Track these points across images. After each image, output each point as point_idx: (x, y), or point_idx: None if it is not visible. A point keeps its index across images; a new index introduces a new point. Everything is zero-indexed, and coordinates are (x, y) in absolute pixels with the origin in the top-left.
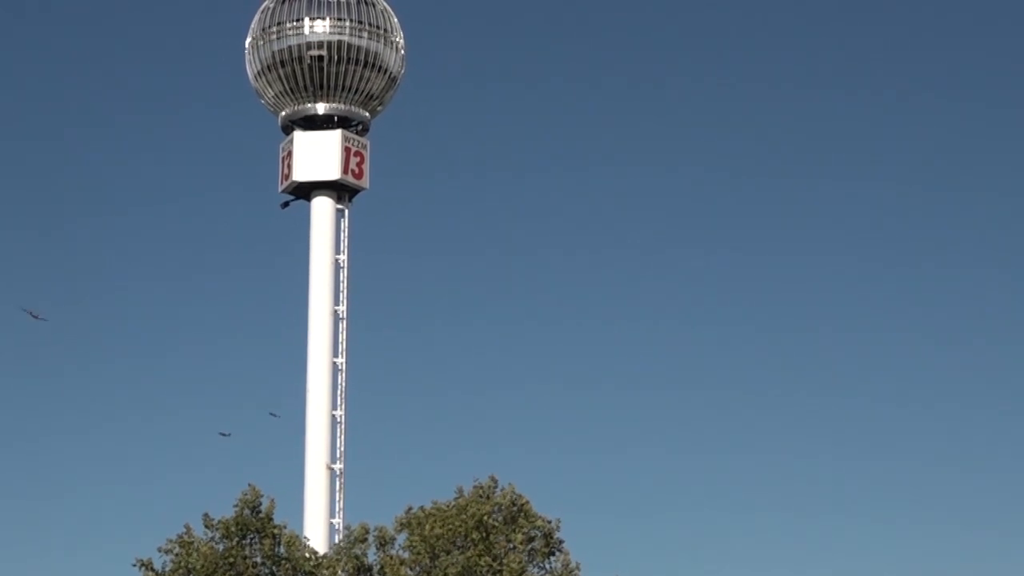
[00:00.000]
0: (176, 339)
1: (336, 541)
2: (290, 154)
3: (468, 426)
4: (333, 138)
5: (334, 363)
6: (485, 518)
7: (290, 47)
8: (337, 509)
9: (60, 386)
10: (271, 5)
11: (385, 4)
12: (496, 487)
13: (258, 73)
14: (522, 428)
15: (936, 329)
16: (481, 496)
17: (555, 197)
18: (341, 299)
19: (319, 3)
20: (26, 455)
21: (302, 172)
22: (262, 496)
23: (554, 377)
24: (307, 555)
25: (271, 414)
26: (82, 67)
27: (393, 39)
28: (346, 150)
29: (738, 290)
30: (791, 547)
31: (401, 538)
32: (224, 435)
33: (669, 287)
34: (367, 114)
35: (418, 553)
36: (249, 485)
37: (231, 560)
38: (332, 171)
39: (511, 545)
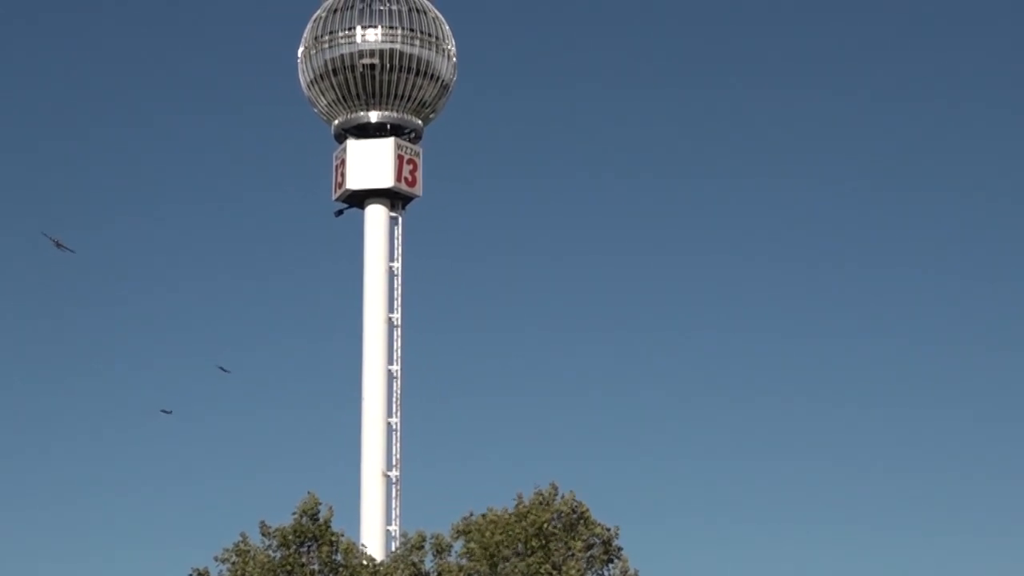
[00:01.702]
0: (233, 347)
1: (392, 548)
2: (343, 162)
3: (522, 433)
4: (386, 146)
5: (389, 370)
6: (545, 525)
7: (342, 56)
8: (393, 516)
9: (117, 394)
10: (323, 15)
11: (437, 12)
12: (557, 494)
13: (311, 82)
14: (579, 434)
15: (993, 336)
16: (541, 503)
17: (608, 203)
18: (395, 306)
19: (371, 12)
20: (82, 463)
21: (356, 180)
22: (320, 504)
23: (612, 383)
24: (364, 562)
25: (220, 368)
26: (141, 80)
27: (445, 47)
28: (399, 158)
29: (800, 301)
30: (853, 555)
31: (458, 545)
32: (166, 412)
33: (729, 294)
34: (420, 122)
35: (477, 560)
36: (308, 493)
37: (288, 568)
38: (385, 179)
39: (570, 552)
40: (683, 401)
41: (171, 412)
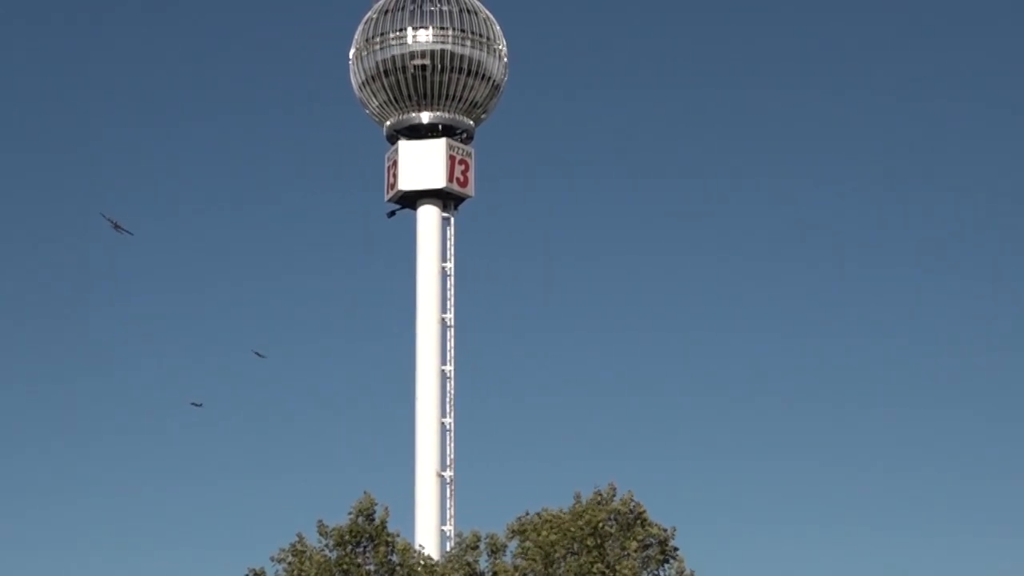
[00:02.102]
0: (287, 348)
1: (447, 548)
2: (395, 163)
3: (575, 433)
4: (438, 147)
5: (442, 371)
6: (601, 525)
7: (394, 57)
8: (448, 516)
9: (170, 389)
10: (374, 16)
11: (488, 12)
12: (615, 494)
13: (362, 83)
14: (634, 434)
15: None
16: (599, 503)
17: (662, 202)
18: (448, 307)
19: (422, 13)
20: (137, 461)
21: (408, 181)
22: (376, 504)
23: (669, 382)
24: (421, 563)
25: (256, 353)
26: (200, 81)
27: (496, 47)
28: (451, 158)
29: (858, 302)
30: (915, 556)
31: (512, 545)
32: (196, 404)
33: (788, 293)
34: (471, 122)
35: (532, 559)
36: (364, 493)
37: (344, 568)
38: (437, 180)
39: (625, 552)
40: (742, 402)
41: (201, 405)
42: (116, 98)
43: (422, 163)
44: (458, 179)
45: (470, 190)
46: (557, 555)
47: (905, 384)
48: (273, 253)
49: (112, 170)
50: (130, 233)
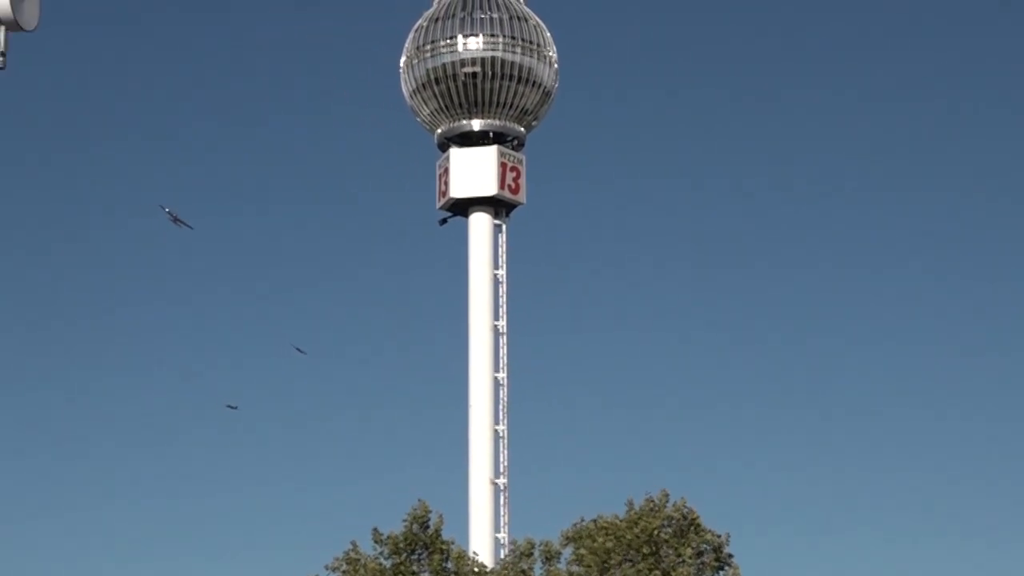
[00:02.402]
0: (341, 355)
1: (501, 556)
2: (447, 171)
3: (629, 439)
4: (489, 154)
5: (495, 378)
6: (655, 532)
7: (444, 65)
8: (502, 523)
9: (224, 393)
10: (425, 24)
11: (538, 19)
12: (667, 501)
13: (413, 91)
14: (689, 441)
15: None
16: (652, 509)
17: (715, 206)
18: (501, 314)
19: (472, 20)
20: (189, 470)
21: (459, 188)
22: (430, 511)
23: (717, 387)
24: (475, 570)
25: (297, 349)
26: (256, 91)
27: (546, 53)
28: (502, 165)
29: (928, 311)
30: (972, 558)
31: (567, 552)
32: (232, 407)
33: (851, 300)
34: (522, 129)
35: (587, 566)
36: (419, 500)
37: None
38: (489, 187)
39: (680, 559)
40: (796, 407)
41: (236, 407)
42: (175, 103)
43: (473, 170)
44: (509, 186)
45: (521, 197)
46: (612, 562)
47: (967, 395)
48: (327, 261)
49: (168, 170)
50: (189, 227)
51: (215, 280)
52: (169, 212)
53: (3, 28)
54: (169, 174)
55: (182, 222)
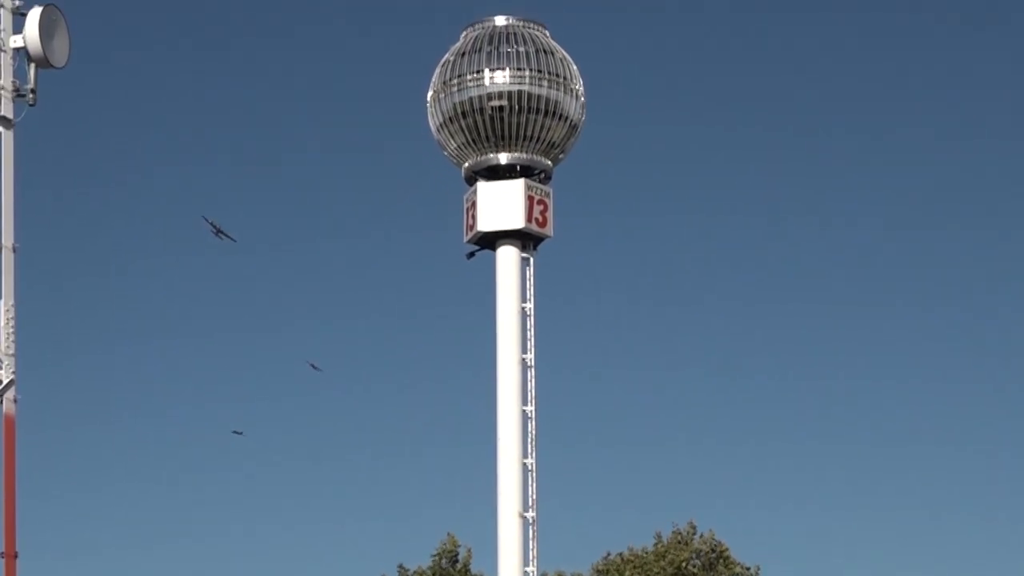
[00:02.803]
0: (368, 389)
1: None
2: (474, 204)
3: (660, 472)
4: (516, 187)
5: (523, 411)
6: (684, 564)
7: (471, 99)
8: (531, 558)
9: (246, 447)
10: (451, 58)
11: (564, 52)
12: (695, 533)
13: (440, 125)
14: (716, 472)
15: None
16: (680, 542)
17: (743, 241)
18: (528, 347)
19: (499, 54)
20: (217, 504)
21: (486, 222)
22: (459, 545)
23: (748, 420)
24: None
25: (312, 366)
26: (276, 130)
27: (573, 87)
28: (529, 199)
29: (956, 354)
30: None
31: None
32: (237, 433)
33: (881, 339)
34: (549, 162)
35: None
36: (448, 535)
37: None
38: (516, 220)
39: None
40: (828, 438)
41: (242, 433)
42: (203, 140)
43: (501, 204)
44: (537, 219)
45: (549, 230)
46: None
47: (1007, 433)
48: (355, 295)
49: (193, 205)
50: (232, 239)
51: (236, 315)
52: (211, 223)
53: (33, 65)
54: (194, 209)
55: (225, 234)
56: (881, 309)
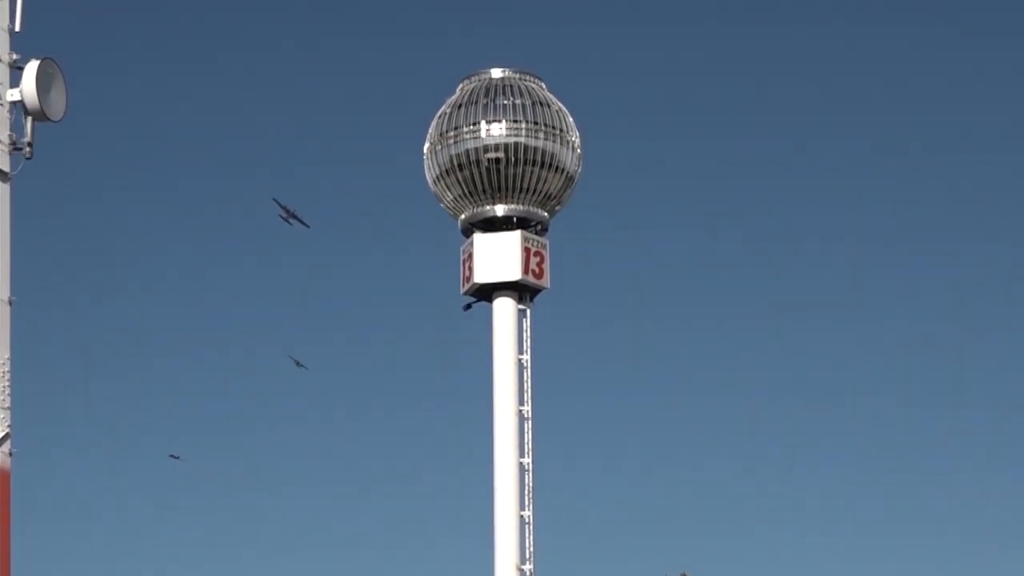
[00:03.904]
0: (363, 441)
1: None
2: (471, 256)
3: (660, 523)
4: (513, 239)
5: (520, 463)
6: None
7: (467, 151)
8: None
9: (243, 494)
10: (448, 111)
11: (560, 104)
12: None
13: (437, 178)
14: (716, 524)
15: None
16: None
17: (739, 292)
18: (525, 399)
19: (495, 106)
20: (221, 538)
21: (483, 274)
22: None
23: (748, 474)
24: None
25: (296, 363)
26: (273, 181)
27: (569, 138)
28: (526, 250)
29: (964, 374)
30: None
31: None
32: (174, 457)
33: (889, 367)
34: (545, 214)
35: None
36: None
37: None
38: (513, 272)
39: None
40: (826, 483)
41: (179, 457)
42: (197, 193)
43: (497, 256)
44: (533, 271)
45: (545, 282)
46: None
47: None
48: (352, 347)
49: (185, 260)
50: (306, 225)
51: (239, 361)
52: (284, 207)
53: (30, 118)
54: (186, 264)
55: (298, 219)
56: (903, 344)
